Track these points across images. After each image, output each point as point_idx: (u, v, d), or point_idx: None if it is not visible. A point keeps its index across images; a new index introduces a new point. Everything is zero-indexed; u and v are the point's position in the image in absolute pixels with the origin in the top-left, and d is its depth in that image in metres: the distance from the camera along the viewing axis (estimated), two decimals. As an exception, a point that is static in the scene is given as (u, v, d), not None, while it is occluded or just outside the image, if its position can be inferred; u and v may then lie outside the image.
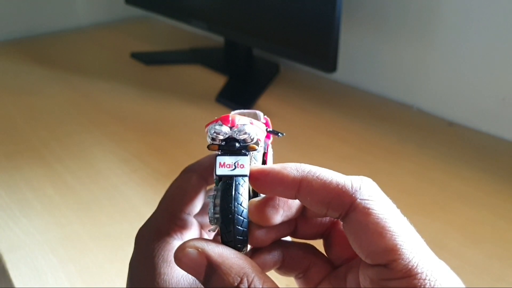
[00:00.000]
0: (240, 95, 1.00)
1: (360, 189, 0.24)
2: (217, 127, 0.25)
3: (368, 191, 0.24)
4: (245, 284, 0.23)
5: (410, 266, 0.22)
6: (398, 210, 0.24)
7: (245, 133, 0.25)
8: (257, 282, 0.23)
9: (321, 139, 0.83)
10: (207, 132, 0.26)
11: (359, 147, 0.80)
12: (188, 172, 0.33)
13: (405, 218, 0.24)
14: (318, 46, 0.84)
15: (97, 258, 0.57)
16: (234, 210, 0.24)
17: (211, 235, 0.35)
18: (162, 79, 1.11)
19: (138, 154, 0.79)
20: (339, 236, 0.29)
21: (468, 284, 0.54)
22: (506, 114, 0.81)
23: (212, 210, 0.25)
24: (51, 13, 1.42)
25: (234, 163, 0.25)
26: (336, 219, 0.28)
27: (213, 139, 0.25)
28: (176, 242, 0.30)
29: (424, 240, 0.24)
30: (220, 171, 0.25)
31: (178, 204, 0.31)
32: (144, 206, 0.66)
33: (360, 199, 0.23)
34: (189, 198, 0.32)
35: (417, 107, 0.93)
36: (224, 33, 1.08)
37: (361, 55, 1.01)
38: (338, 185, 0.24)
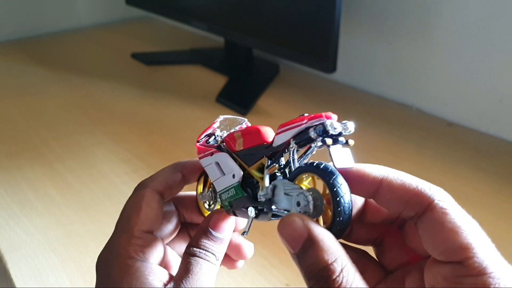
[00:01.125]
0: (240, 95, 1.00)
1: (436, 192, 0.25)
2: (335, 123, 0.27)
3: (443, 195, 0.25)
4: (339, 265, 0.23)
5: (484, 265, 0.23)
6: (470, 216, 0.25)
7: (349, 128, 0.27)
8: (350, 269, 0.24)
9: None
10: (317, 128, 0.27)
11: (359, 147, 0.80)
12: (140, 188, 0.34)
13: (475, 221, 0.25)
14: (318, 46, 0.84)
15: (98, 257, 0.57)
16: (351, 202, 0.25)
17: (178, 249, 0.37)
18: (162, 79, 1.11)
19: (139, 154, 0.80)
20: (393, 242, 0.30)
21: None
22: (505, 114, 0.81)
23: (306, 203, 0.26)
24: (52, 14, 1.42)
25: (346, 157, 0.27)
26: (390, 225, 0.30)
27: (328, 134, 0.26)
28: (139, 264, 0.30)
29: None
30: (338, 164, 0.26)
31: (134, 223, 0.31)
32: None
33: (437, 200, 0.25)
34: (145, 215, 0.32)
35: (416, 107, 0.93)
36: (224, 33, 1.08)
37: (361, 55, 1.01)
38: (417, 186, 0.25)
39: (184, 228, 0.38)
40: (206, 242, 0.32)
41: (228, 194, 0.33)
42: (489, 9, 0.78)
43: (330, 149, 0.27)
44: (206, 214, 0.36)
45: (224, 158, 0.33)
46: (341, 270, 0.23)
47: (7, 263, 0.57)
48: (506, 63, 0.78)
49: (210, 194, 0.36)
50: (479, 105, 0.84)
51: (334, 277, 0.23)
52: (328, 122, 0.27)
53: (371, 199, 0.28)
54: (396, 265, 0.30)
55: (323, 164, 0.26)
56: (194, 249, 0.32)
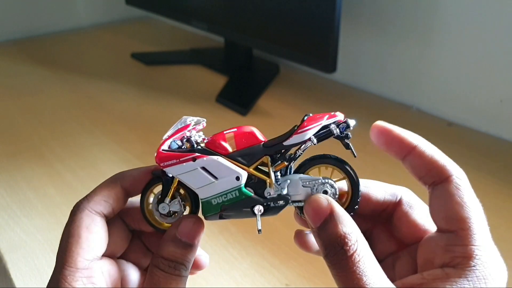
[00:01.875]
0: (240, 95, 1.00)
1: (456, 170, 0.29)
2: (351, 121, 0.31)
3: (462, 174, 0.29)
4: (354, 237, 0.27)
5: (474, 238, 0.27)
6: (478, 200, 0.29)
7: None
8: (363, 242, 0.27)
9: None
10: (338, 126, 0.31)
11: (358, 147, 0.80)
12: (76, 213, 0.31)
13: (481, 206, 0.29)
14: (318, 46, 0.84)
15: (98, 257, 0.57)
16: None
17: (133, 259, 0.35)
18: (162, 79, 1.11)
19: (139, 153, 0.79)
20: (381, 234, 0.33)
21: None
22: (505, 114, 0.81)
23: (334, 190, 0.31)
24: (52, 14, 1.42)
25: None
26: (378, 218, 0.34)
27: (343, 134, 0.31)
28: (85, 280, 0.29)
29: (505, 267, 0.28)
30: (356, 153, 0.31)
31: (76, 254, 0.29)
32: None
33: (455, 176, 0.29)
34: (87, 243, 0.30)
35: (416, 107, 0.93)
36: (224, 33, 1.08)
37: (361, 55, 1.01)
38: (443, 161, 0.29)
39: (136, 235, 0.36)
40: (175, 252, 0.30)
41: (226, 197, 0.31)
42: (489, 9, 0.78)
43: (349, 142, 0.31)
44: (161, 226, 0.33)
45: (216, 162, 0.31)
46: (356, 241, 0.27)
47: (7, 263, 0.57)
48: (506, 63, 0.78)
49: (178, 203, 0.33)
50: (479, 105, 0.84)
51: (350, 245, 0.26)
52: (350, 121, 0.31)
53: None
54: (386, 254, 0.33)
55: (333, 156, 0.32)
56: (162, 261, 0.30)
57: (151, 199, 0.34)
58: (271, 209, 0.32)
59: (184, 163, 0.31)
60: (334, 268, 0.27)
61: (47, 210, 0.66)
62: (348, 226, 0.27)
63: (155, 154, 0.32)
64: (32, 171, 0.75)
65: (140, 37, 1.41)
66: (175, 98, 1.01)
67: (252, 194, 0.31)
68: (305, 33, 0.86)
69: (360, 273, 0.26)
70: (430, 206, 0.30)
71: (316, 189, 0.31)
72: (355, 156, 0.31)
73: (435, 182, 0.29)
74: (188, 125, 0.33)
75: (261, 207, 0.31)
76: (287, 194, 0.31)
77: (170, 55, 1.26)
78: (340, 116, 0.31)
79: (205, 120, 0.33)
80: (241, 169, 0.31)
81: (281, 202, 0.31)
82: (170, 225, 0.33)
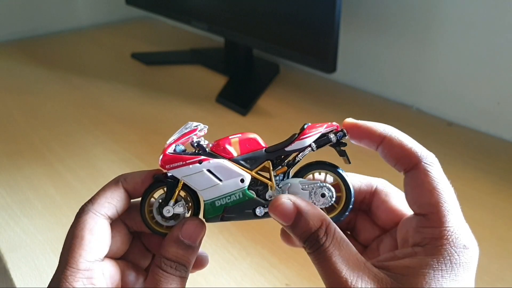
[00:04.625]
0: (240, 95, 1.00)
1: (426, 155, 0.30)
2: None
3: (432, 159, 0.30)
4: (324, 227, 0.29)
5: (443, 220, 0.28)
6: (449, 182, 0.30)
7: None
8: (332, 227, 0.29)
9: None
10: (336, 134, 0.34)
11: (359, 147, 0.80)
12: (81, 215, 0.32)
13: (452, 188, 0.30)
14: (318, 47, 0.84)
15: (98, 257, 0.57)
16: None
17: (134, 259, 0.36)
18: (162, 80, 1.11)
19: (139, 153, 0.80)
20: (364, 223, 0.35)
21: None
22: (505, 114, 0.81)
23: (331, 193, 0.33)
24: (52, 14, 1.42)
25: None
26: (358, 210, 0.36)
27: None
28: (85, 281, 0.29)
29: (477, 249, 0.29)
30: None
31: (78, 255, 0.30)
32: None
33: (424, 163, 0.30)
34: (89, 245, 0.31)
35: (416, 107, 0.93)
36: (224, 33, 1.08)
37: (361, 55, 1.01)
38: (411, 147, 0.30)
39: (136, 236, 0.37)
40: (177, 253, 0.32)
41: (230, 199, 0.33)
42: (489, 9, 0.78)
43: (345, 149, 0.34)
44: (161, 229, 0.34)
45: (222, 164, 0.33)
46: (327, 231, 0.28)
47: (7, 263, 0.57)
48: (506, 63, 0.78)
49: (182, 206, 0.34)
50: (479, 105, 0.84)
51: (322, 237, 0.28)
52: (345, 130, 0.34)
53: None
54: (371, 240, 0.35)
55: (328, 162, 0.34)
56: (165, 261, 0.31)
57: (150, 203, 0.34)
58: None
59: (191, 165, 0.33)
60: (316, 262, 0.29)
61: (47, 210, 0.66)
62: (317, 216, 0.29)
63: (160, 157, 0.33)
64: (32, 171, 0.75)
65: (140, 37, 1.41)
66: (175, 98, 1.01)
67: (255, 196, 0.33)
68: (305, 33, 0.86)
69: (332, 263, 0.28)
70: (405, 192, 0.31)
71: (315, 192, 0.33)
72: (349, 163, 0.34)
73: (406, 169, 0.31)
74: (194, 130, 0.34)
75: (262, 209, 0.33)
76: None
77: (170, 55, 1.26)
78: (336, 126, 0.34)
79: (207, 127, 0.35)
80: (245, 172, 0.33)
81: None
82: (166, 229, 0.34)
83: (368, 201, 0.35)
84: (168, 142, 0.34)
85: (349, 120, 0.33)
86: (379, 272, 0.27)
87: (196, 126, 0.34)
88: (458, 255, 0.27)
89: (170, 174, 0.33)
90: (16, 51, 1.29)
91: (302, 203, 0.30)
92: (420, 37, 0.89)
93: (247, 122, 0.89)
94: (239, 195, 0.33)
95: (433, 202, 0.29)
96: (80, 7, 1.47)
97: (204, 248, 0.35)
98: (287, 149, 0.33)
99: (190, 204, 0.34)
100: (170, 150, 0.33)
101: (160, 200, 0.34)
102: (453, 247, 0.27)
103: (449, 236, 0.28)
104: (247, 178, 0.33)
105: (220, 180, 0.33)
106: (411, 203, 0.30)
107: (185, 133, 0.34)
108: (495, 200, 0.67)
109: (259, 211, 0.33)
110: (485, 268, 0.55)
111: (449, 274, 0.26)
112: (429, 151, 0.31)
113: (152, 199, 0.34)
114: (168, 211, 0.33)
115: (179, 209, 0.34)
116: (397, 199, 0.33)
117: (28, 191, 0.70)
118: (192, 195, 0.34)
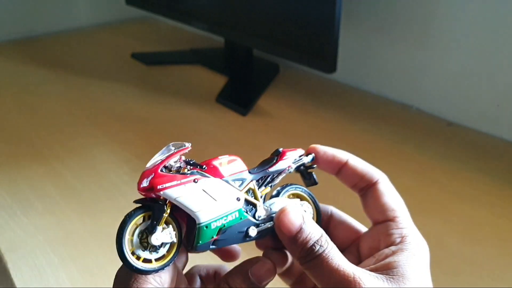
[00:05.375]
0: (240, 95, 1.00)
1: (380, 176, 0.36)
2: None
3: (384, 179, 0.36)
4: (324, 236, 0.31)
5: (404, 222, 0.34)
6: (398, 194, 0.36)
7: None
8: (328, 240, 0.31)
9: (320, 139, 0.83)
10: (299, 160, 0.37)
11: (359, 147, 0.80)
12: None
13: (402, 199, 0.36)
14: (318, 46, 0.84)
15: (98, 257, 0.57)
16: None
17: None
18: (162, 80, 1.11)
19: (139, 153, 0.80)
20: (338, 230, 0.39)
21: (468, 284, 0.54)
22: (505, 114, 0.81)
23: (311, 210, 0.38)
24: (52, 14, 1.42)
25: None
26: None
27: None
28: (153, 281, 0.30)
29: (424, 239, 0.34)
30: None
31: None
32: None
33: (379, 182, 0.36)
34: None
35: (416, 108, 0.93)
36: (224, 33, 1.08)
37: (361, 55, 1.01)
38: (368, 170, 0.36)
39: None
40: (240, 286, 0.33)
41: (226, 219, 0.32)
42: (488, 10, 0.78)
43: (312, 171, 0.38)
44: (138, 262, 0.30)
45: (217, 184, 0.32)
46: (324, 242, 0.31)
47: (7, 263, 0.57)
48: (505, 63, 0.78)
49: (170, 234, 0.30)
50: (479, 105, 0.84)
51: (320, 246, 0.31)
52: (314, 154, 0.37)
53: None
54: (347, 245, 0.39)
55: (300, 186, 0.38)
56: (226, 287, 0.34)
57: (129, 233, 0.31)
58: (263, 230, 0.34)
59: (186, 184, 0.31)
60: (311, 268, 0.31)
61: (47, 210, 0.66)
62: (318, 229, 0.32)
63: (148, 177, 0.30)
64: (32, 171, 0.75)
65: (140, 37, 1.41)
66: (175, 98, 1.01)
67: (247, 216, 0.33)
68: (305, 33, 0.86)
69: (335, 264, 0.30)
70: (365, 207, 0.37)
71: None
72: (316, 183, 0.38)
73: (366, 187, 0.36)
74: (185, 148, 0.32)
75: (256, 229, 0.34)
76: (273, 215, 0.34)
77: (170, 55, 1.26)
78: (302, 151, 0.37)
79: (190, 144, 0.32)
80: (239, 191, 0.33)
81: (269, 224, 0.34)
82: (156, 262, 0.30)
83: (326, 223, 0.39)
84: (148, 166, 0.31)
85: (314, 147, 0.38)
86: (373, 272, 0.31)
87: (186, 145, 0.32)
88: (419, 248, 0.33)
89: (154, 197, 0.30)
90: (16, 51, 1.29)
91: (306, 216, 0.32)
92: (420, 37, 0.89)
93: (247, 122, 0.89)
94: (235, 215, 0.32)
95: (395, 208, 0.35)
96: (80, 7, 1.47)
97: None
98: (271, 170, 0.35)
99: (175, 232, 0.31)
100: (159, 170, 0.31)
101: (143, 228, 0.30)
102: (417, 240, 0.33)
103: (411, 234, 0.33)
104: (242, 197, 0.33)
105: (215, 200, 0.31)
106: (374, 213, 0.36)
107: (173, 152, 0.32)
108: (495, 199, 0.67)
109: (252, 231, 0.33)
110: (485, 268, 0.55)
111: (421, 260, 0.32)
112: (379, 170, 0.37)
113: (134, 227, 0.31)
114: (156, 239, 0.30)
115: (166, 237, 0.30)
116: (351, 221, 0.39)
117: (28, 191, 0.70)
118: (175, 220, 0.31)
